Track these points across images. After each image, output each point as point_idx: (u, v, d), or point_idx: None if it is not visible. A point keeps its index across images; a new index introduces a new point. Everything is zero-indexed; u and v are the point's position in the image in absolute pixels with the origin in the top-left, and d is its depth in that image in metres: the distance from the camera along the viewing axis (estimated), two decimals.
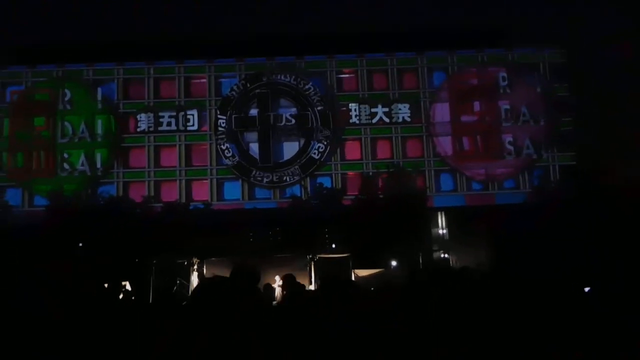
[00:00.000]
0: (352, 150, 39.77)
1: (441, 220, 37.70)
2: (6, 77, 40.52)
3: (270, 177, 38.74)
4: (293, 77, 39.77)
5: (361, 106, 39.86)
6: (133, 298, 15.89)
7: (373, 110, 39.82)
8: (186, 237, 30.00)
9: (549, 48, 39.95)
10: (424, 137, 39.76)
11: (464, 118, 39.34)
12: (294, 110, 39.61)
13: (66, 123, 39.38)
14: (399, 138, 39.69)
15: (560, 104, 38.65)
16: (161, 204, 35.46)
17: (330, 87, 40.18)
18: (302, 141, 39.33)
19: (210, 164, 39.43)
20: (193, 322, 3.86)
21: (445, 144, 39.36)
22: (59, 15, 60.20)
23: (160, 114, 39.73)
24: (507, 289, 4.98)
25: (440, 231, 37.46)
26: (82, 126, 39.27)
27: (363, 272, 30.73)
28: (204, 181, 39.24)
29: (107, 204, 32.62)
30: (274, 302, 13.62)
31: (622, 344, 4.21)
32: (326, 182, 37.59)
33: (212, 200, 37.85)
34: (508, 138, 39.47)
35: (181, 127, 39.61)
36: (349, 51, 40.10)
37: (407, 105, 39.96)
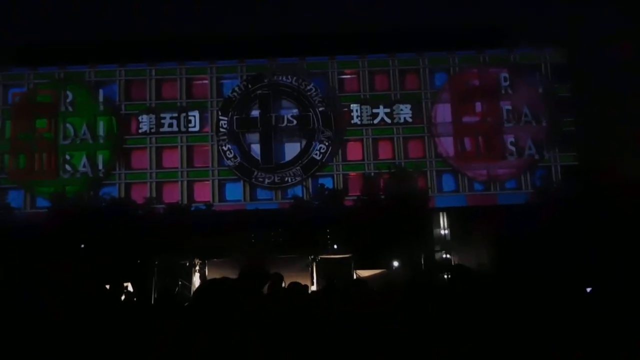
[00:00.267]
0: (354, 151, 39.77)
1: (443, 220, 37.68)
2: (8, 79, 40.60)
3: (272, 178, 38.75)
4: (294, 78, 39.78)
5: (363, 107, 39.87)
6: (135, 299, 15.90)
7: (374, 110, 39.82)
8: (188, 238, 30.03)
9: (550, 48, 39.92)
10: (426, 137, 39.75)
11: (466, 119, 39.33)
12: (295, 111, 39.62)
13: (68, 125, 39.42)
14: (401, 139, 39.68)
15: (562, 104, 38.64)
16: (163, 205, 35.48)
17: (331, 88, 40.18)
18: (304, 142, 39.32)
19: (212, 165, 39.45)
20: (193, 322, 3.87)
21: (447, 145, 39.34)
22: (61, 17, 60.27)
23: (162, 115, 39.77)
24: (507, 289, 4.98)
25: (442, 232, 37.45)
26: (84, 128, 39.30)
27: (365, 273, 30.69)
28: (206, 182, 39.26)
29: (109, 206, 32.61)
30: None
31: (622, 344, 4.21)
32: (328, 183, 37.60)
33: (213, 201, 37.87)
34: (510, 138, 39.46)
35: (183, 129, 39.64)
36: (350, 52, 40.10)
37: (409, 106, 39.95)
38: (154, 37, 40.29)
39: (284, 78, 39.87)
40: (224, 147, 39.04)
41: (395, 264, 31.40)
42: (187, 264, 32.68)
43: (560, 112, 38.55)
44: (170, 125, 39.71)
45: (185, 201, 37.20)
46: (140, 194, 36.63)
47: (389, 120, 39.76)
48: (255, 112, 39.62)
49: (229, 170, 39.18)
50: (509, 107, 39.58)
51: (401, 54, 40.34)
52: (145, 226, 30.15)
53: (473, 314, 4.53)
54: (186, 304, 9.65)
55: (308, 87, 39.60)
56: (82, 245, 28.72)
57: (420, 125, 39.81)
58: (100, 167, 39.15)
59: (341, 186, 38.14)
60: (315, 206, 33.46)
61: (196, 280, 32.11)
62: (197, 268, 32.99)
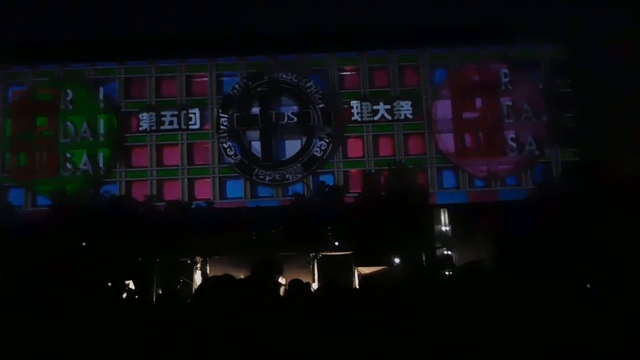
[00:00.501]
0: (354, 148, 39.76)
1: (444, 217, 37.67)
2: (8, 77, 40.59)
3: (273, 175, 38.75)
4: (294, 75, 39.74)
5: (363, 103, 39.85)
6: (136, 297, 15.94)
7: (375, 107, 39.80)
8: (189, 235, 30.07)
9: (550, 44, 39.85)
10: (426, 134, 39.74)
11: (466, 115, 39.31)
12: (295, 108, 39.60)
13: (68, 123, 39.43)
14: (401, 135, 39.68)
15: (562, 100, 38.61)
16: (164, 203, 35.50)
17: (331, 85, 40.16)
18: (304, 139, 39.31)
19: (213, 163, 39.47)
20: (193, 322, 3.87)
21: (447, 141, 39.33)
22: (61, 16, 60.27)
23: (162, 113, 39.77)
24: (506, 287, 4.98)
25: (443, 228, 37.44)
26: (84, 126, 39.31)
27: (366, 270, 30.72)
28: (206, 180, 39.27)
29: (109, 204, 32.62)
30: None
31: (621, 344, 4.21)
32: (328, 180, 37.59)
33: (214, 198, 37.90)
34: (510, 134, 39.44)
35: (183, 126, 39.65)
36: (350, 49, 40.02)
37: (409, 103, 39.93)
38: (154, 35, 40.34)
39: (284, 75, 39.83)
40: (224, 145, 39.03)
41: (396, 260, 31.40)
42: (188, 262, 32.72)
43: (561, 108, 38.52)
44: (171, 122, 39.71)
45: (185, 199, 37.19)
46: (140, 192, 36.63)
47: (389, 117, 39.74)
48: (255, 110, 39.61)
49: (229, 168, 39.19)
50: (509, 103, 39.57)
51: (401, 51, 40.29)
52: (146, 224, 30.16)
53: (472, 312, 4.53)
54: (188, 302, 9.66)
55: (308, 84, 39.57)
56: (83, 244, 28.73)
57: (421, 121, 39.79)
58: (101, 165, 39.17)
59: (342, 183, 38.13)
60: (316, 203, 33.45)
61: (197, 278, 32.16)
62: (199, 266, 33.04)
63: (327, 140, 39.00)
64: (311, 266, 32.27)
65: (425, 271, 29.40)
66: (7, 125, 39.51)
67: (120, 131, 39.57)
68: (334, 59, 40.53)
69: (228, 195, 39.05)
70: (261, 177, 38.83)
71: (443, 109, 39.56)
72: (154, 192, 37.74)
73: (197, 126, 39.81)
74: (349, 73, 40.95)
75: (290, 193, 37.27)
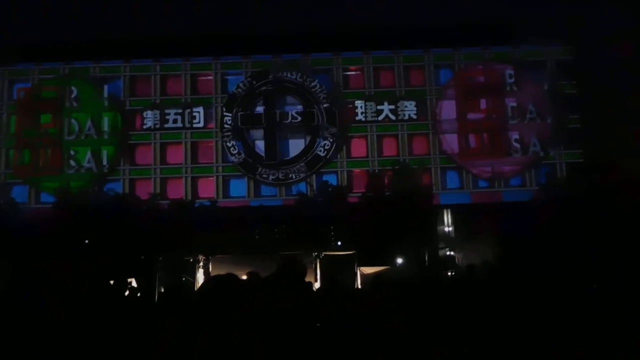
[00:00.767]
0: (358, 148, 39.73)
1: (447, 217, 37.61)
2: (13, 75, 40.66)
3: (276, 174, 38.75)
4: (299, 74, 39.73)
5: (367, 103, 39.83)
6: (139, 295, 15.93)
7: (379, 107, 39.77)
8: (192, 234, 30.09)
9: (556, 45, 39.77)
10: (430, 134, 39.68)
11: (471, 115, 39.23)
12: (299, 107, 39.60)
13: (73, 120, 39.47)
14: (405, 135, 39.63)
15: (567, 101, 38.52)
16: (167, 201, 35.52)
17: (336, 85, 40.13)
18: (308, 138, 39.31)
19: (216, 161, 39.48)
20: (195, 321, 3.87)
21: (451, 142, 39.27)
22: (66, 13, 60.35)
23: (167, 111, 39.79)
24: (509, 288, 4.97)
25: (446, 229, 37.36)
26: (89, 123, 39.35)
27: (369, 270, 30.70)
28: (210, 178, 39.28)
29: (113, 201, 32.66)
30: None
31: (622, 344, 4.20)
32: (332, 179, 37.61)
33: (218, 197, 37.88)
34: (515, 135, 39.35)
35: (187, 125, 39.67)
36: (355, 48, 40.00)
37: (414, 103, 39.89)
38: (159, 33, 40.39)
39: (288, 74, 39.83)
40: (228, 144, 39.05)
41: (400, 261, 31.36)
42: (191, 260, 32.72)
43: (566, 109, 38.42)
44: (175, 121, 39.74)
45: (189, 197, 37.22)
46: (144, 190, 36.65)
47: (393, 117, 39.70)
48: (259, 109, 39.62)
49: (233, 167, 39.20)
50: (514, 104, 39.47)
51: (406, 51, 40.25)
52: (149, 222, 30.19)
53: (474, 312, 4.53)
54: (190, 300, 9.66)
55: (312, 84, 39.56)
56: (87, 242, 28.76)
57: (425, 122, 39.75)
58: (105, 162, 39.21)
59: (345, 183, 38.10)
60: (319, 203, 33.44)
61: (200, 277, 32.16)
62: (201, 264, 33.04)
63: (331, 140, 38.99)
64: (314, 266, 32.24)
65: (429, 272, 29.40)
66: (12, 122, 39.61)
67: (124, 129, 39.62)
68: (338, 58, 40.51)
69: (231, 194, 39.06)
70: (265, 176, 38.84)
71: (447, 109, 39.51)
72: (158, 191, 37.72)
73: (201, 125, 39.83)
74: (353, 73, 40.93)
75: (293, 192, 37.27)
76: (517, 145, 39.16)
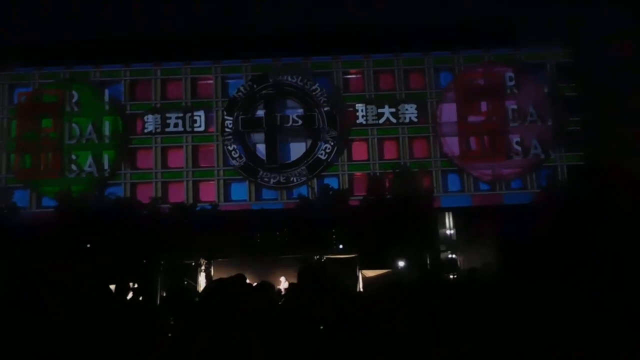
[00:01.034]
0: (359, 151, 39.73)
1: (448, 220, 37.62)
2: (14, 79, 40.73)
3: (277, 178, 38.75)
4: (299, 77, 39.76)
5: (368, 107, 39.84)
6: (140, 298, 15.91)
7: (380, 110, 39.77)
8: (193, 237, 30.08)
9: (556, 47, 39.79)
10: (431, 137, 39.68)
11: (471, 118, 39.22)
12: (300, 111, 39.61)
13: (74, 124, 39.51)
14: (406, 138, 39.63)
15: (568, 103, 38.49)
16: (168, 205, 35.53)
17: (336, 88, 40.16)
18: (309, 142, 39.32)
19: (217, 165, 39.48)
20: (196, 322, 3.87)
21: (452, 144, 39.26)
22: (66, 17, 60.38)
23: (167, 115, 39.83)
24: (508, 290, 4.97)
25: (448, 232, 37.38)
26: (90, 127, 39.39)
27: (370, 273, 30.68)
28: (211, 182, 39.29)
29: (114, 205, 32.67)
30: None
31: (622, 344, 4.20)
32: (333, 182, 37.64)
33: (219, 201, 37.90)
34: (515, 138, 39.32)
35: (188, 128, 39.69)
36: (355, 52, 40.04)
37: (414, 106, 39.90)
38: (159, 37, 40.35)
39: (289, 78, 39.85)
40: (229, 147, 39.06)
41: (401, 264, 31.34)
42: (193, 264, 32.71)
43: (566, 112, 38.40)
44: (176, 125, 39.76)
45: (190, 201, 37.23)
46: (145, 194, 36.67)
47: (394, 120, 39.70)
48: (260, 112, 39.63)
49: (234, 170, 39.20)
50: (515, 107, 39.45)
51: (406, 54, 40.29)
52: (151, 226, 30.20)
53: (473, 314, 4.52)
54: (192, 302, 9.66)
55: (313, 87, 39.58)
56: (88, 245, 28.77)
57: (426, 125, 39.75)
58: (106, 166, 39.23)
59: (346, 186, 38.11)
60: (320, 206, 33.44)
61: (202, 280, 32.14)
62: (203, 268, 33.02)
63: (332, 143, 38.99)
64: None
65: (430, 274, 29.38)
66: (13, 127, 39.64)
67: (125, 133, 39.64)
68: (338, 61, 40.54)
69: (232, 198, 39.07)
70: (266, 179, 38.83)
71: (448, 112, 39.49)
72: (159, 194, 37.78)
73: (202, 128, 39.85)
74: (354, 76, 40.95)
75: (294, 196, 37.27)
76: (517, 147, 39.13)
